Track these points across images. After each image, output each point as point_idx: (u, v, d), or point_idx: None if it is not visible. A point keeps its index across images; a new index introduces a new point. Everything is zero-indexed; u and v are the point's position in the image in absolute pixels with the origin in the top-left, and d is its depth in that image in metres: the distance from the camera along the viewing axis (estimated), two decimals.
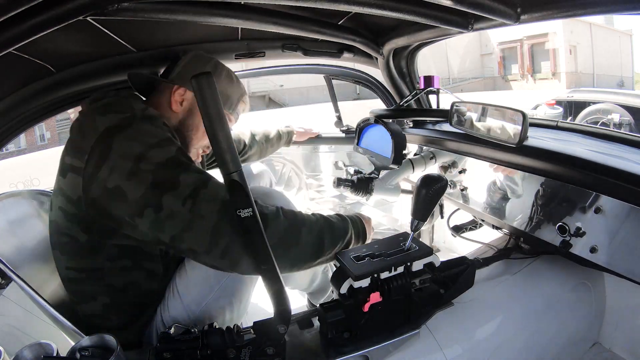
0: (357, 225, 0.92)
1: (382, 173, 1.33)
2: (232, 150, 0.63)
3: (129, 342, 0.89)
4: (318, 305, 0.86)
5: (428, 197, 0.83)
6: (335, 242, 0.85)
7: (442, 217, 1.83)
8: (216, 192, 0.71)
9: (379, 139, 1.34)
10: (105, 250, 0.80)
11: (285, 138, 1.79)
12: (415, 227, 0.87)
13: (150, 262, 0.87)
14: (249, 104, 1.02)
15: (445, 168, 1.36)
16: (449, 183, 1.33)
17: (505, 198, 1.14)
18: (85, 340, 0.63)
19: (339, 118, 1.97)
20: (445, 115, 1.20)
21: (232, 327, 0.78)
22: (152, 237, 0.71)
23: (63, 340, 0.77)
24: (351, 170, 1.36)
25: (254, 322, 0.80)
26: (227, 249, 0.71)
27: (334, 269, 0.87)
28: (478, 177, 1.24)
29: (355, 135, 1.52)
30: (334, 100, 1.94)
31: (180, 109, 0.90)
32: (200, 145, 0.97)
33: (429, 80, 1.37)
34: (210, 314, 0.91)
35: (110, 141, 0.69)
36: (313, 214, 0.86)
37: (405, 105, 1.44)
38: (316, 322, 0.90)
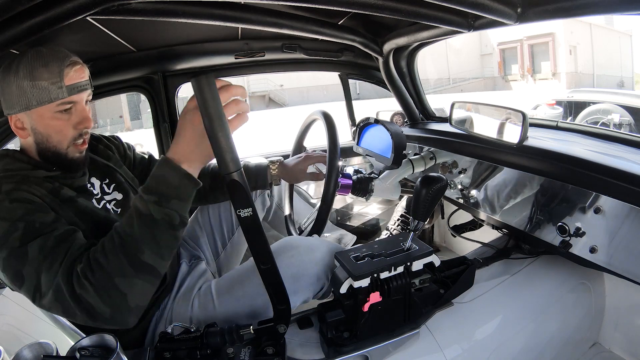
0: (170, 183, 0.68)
1: (382, 173, 1.33)
2: (232, 150, 0.63)
3: (129, 342, 0.89)
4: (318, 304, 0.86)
5: (428, 197, 0.83)
6: (158, 241, 0.69)
7: (442, 217, 1.84)
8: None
9: (379, 139, 1.34)
10: None
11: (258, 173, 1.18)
12: (415, 227, 0.87)
13: None
14: (77, 66, 0.80)
15: (445, 168, 1.36)
16: (449, 183, 1.33)
17: (505, 198, 1.14)
18: (85, 340, 0.63)
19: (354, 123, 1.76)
20: None
21: (232, 327, 0.78)
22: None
23: (63, 340, 0.77)
24: (351, 170, 1.36)
25: (254, 322, 0.80)
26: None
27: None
28: (478, 177, 1.24)
29: (355, 135, 1.51)
30: (349, 102, 1.83)
31: (26, 133, 0.81)
32: (71, 139, 0.82)
33: None
34: (210, 314, 0.91)
35: None
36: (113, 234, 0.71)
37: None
38: (316, 322, 0.91)
